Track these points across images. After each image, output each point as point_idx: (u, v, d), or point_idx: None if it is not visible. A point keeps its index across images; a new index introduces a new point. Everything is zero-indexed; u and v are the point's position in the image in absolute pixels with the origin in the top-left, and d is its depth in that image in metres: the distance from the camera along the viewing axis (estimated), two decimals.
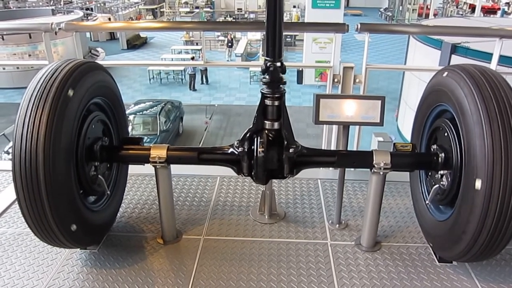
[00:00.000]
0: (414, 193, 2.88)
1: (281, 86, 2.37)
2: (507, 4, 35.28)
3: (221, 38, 29.33)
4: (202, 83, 22.61)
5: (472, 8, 34.40)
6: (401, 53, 20.86)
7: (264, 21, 2.25)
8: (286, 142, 2.42)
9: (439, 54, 12.81)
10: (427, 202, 2.59)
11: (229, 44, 26.29)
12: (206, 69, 22.07)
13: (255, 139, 2.40)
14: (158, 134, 13.91)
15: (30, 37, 20.07)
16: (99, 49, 26.40)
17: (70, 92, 2.09)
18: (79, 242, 2.38)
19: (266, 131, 2.41)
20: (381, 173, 2.44)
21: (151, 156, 2.49)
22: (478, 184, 1.97)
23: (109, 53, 26.49)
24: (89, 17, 27.08)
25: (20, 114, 2.00)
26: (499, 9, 35.01)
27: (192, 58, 23.00)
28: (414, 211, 2.88)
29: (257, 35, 27.33)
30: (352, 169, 3.58)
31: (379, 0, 46.80)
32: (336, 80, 3.48)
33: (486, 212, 1.96)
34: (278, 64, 2.30)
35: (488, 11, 34.38)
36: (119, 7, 38.22)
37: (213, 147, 2.71)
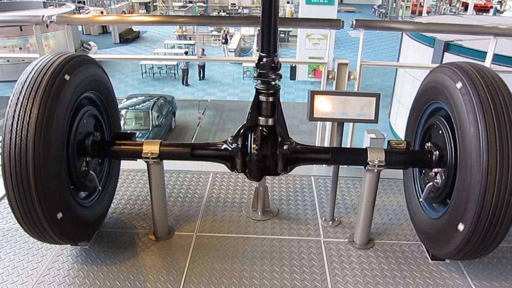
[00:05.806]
0: (408, 191, 2.88)
1: (275, 82, 2.35)
2: (499, 2, 35.47)
3: (215, 33, 29.17)
4: (201, 79, 22.41)
5: (465, 6, 34.62)
6: (394, 50, 20.91)
7: (259, 16, 2.22)
8: (280, 139, 2.40)
9: (432, 52, 12.83)
10: (420, 200, 2.59)
11: (224, 40, 26.07)
12: (204, 65, 21.88)
13: (249, 135, 2.38)
14: (150, 129, 13.81)
15: (21, 29, 19.79)
16: (91, 42, 26.17)
17: (61, 86, 2.05)
18: (69, 238, 2.34)
19: (260, 127, 2.39)
20: (375, 170, 2.43)
21: (143, 151, 2.46)
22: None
23: (101, 47, 26.24)
24: (81, 10, 26.80)
25: (10, 107, 1.96)
26: (491, 7, 35.20)
27: (186, 53, 22.82)
28: (407, 208, 2.88)
29: (251, 31, 27.21)
30: (346, 166, 3.58)
31: None
32: (330, 76, 3.46)
33: (480, 210, 1.96)
34: (273, 59, 2.28)
35: (481, 9, 34.56)
36: (111, 1, 37.87)
37: (206, 143, 2.68)
